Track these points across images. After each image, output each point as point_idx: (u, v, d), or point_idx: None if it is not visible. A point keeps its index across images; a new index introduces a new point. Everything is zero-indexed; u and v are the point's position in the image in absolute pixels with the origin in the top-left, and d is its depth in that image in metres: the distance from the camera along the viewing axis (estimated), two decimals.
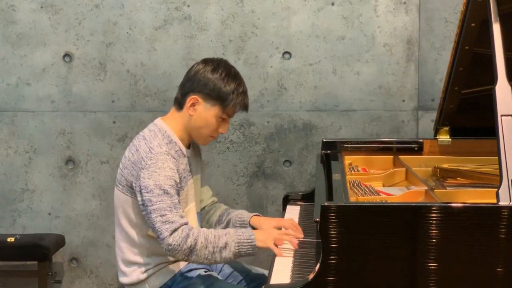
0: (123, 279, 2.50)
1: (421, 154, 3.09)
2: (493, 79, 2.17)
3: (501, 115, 2.10)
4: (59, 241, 3.63)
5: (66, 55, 3.64)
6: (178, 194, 2.37)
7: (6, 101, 3.67)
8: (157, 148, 2.38)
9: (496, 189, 2.00)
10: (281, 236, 2.34)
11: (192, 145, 2.56)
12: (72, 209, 3.72)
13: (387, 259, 1.93)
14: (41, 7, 3.62)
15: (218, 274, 2.60)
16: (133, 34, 3.62)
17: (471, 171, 2.78)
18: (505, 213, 1.92)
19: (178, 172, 2.40)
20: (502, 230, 1.91)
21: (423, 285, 1.92)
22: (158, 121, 2.50)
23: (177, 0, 3.60)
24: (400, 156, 3.02)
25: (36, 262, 3.52)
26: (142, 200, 2.33)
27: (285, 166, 3.68)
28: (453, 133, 3.07)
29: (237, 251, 2.30)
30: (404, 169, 2.88)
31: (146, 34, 3.62)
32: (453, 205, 1.96)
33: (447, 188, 2.62)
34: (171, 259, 2.46)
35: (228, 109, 2.44)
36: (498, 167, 2.03)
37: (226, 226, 2.62)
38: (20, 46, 3.64)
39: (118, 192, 2.48)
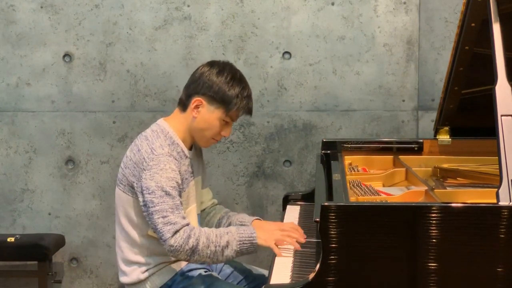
0: (123, 279, 2.50)
1: (421, 154, 3.09)
2: (493, 79, 2.17)
3: (501, 115, 2.10)
4: (59, 241, 3.63)
5: (66, 55, 3.64)
6: (180, 196, 2.37)
7: (6, 101, 3.68)
8: (159, 149, 2.37)
9: (496, 189, 2.00)
10: (283, 237, 2.33)
11: (194, 146, 2.55)
12: (72, 209, 3.72)
13: (387, 259, 1.93)
14: (41, 7, 3.62)
15: (218, 274, 2.60)
16: (133, 34, 3.62)
17: (471, 171, 2.78)
18: (505, 213, 1.92)
19: (179, 173, 2.39)
20: (502, 230, 1.91)
21: (423, 285, 1.92)
22: (161, 121, 2.50)
23: (177, 0, 3.60)
24: (400, 156, 3.02)
25: (36, 262, 3.52)
26: (144, 201, 2.33)
27: (285, 166, 3.68)
28: (453, 133, 3.07)
29: (239, 249, 2.30)
30: (404, 169, 2.88)
31: (146, 34, 3.62)
32: (453, 205, 1.96)
33: (447, 188, 2.62)
34: (172, 259, 2.46)
35: (231, 112, 2.44)
36: (498, 167, 2.03)
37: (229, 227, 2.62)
38: (20, 46, 3.64)
39: (119, 191, 2.49)
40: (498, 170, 2.03)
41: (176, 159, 2.39)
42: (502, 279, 1.92)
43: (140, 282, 2.46)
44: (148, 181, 2.32)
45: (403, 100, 3.62)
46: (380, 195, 2.52)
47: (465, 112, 2.98)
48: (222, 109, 2.43)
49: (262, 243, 2.31)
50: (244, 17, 3.60)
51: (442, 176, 2.85)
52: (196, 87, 2.44)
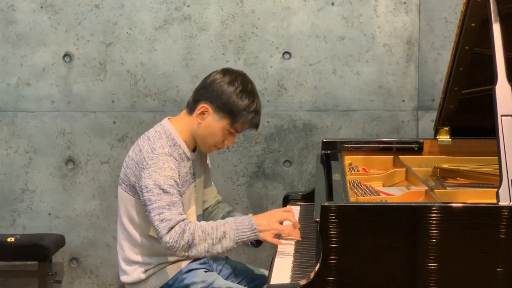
0: (124, 278, 2.50)
1: (421, 154, 3.09)
2: (493, 79, 2.17)
3: (501, 115, 2.10)
4: (59, 241, 3.63)
5: (66, 55, 3.64)
6: (180, 194, 2.36)
7: (6, 101, 3.68)
8: (159, 149, 2.37)
9: (496, 189, 2.00)
10: (284, 215, 2.33)
11: (198, 147, 2.55)
12: (72, 209, 3.72)
13: (387, 259, 1.93)
14: (41, 7, 3.62)
15: (219, 274, 2.59)
16: (133, 34, 3.62)
17: (471, 171, 2.78)
18: (505, 213, 1.92)
19: (179, 175, 2.39)
20: (502, 230, 1.91)
21: (423, 285, 1.92)
22: (165, 122, 2.49)
23: (177, 0, 3.60)
24: (400, 156, 3.02)
25: (36, 262, 3.52)
26: (143, 200, 2.33)
27: (285, 166, 3.68)
28: (453, 133, 3.06)
29: (237, 238, 2.29)
30: (404, 169, 2.88)
31: (146, 34, 3.62)
32: (453, 205, 1.96)
33: (447, 188, 2.62)
34: (173, 259, 2.46)
35: (236, 125, 2.42)
36: (498, 167, 2.03)
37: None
38: (20, 46, 3.64)
39: (121, 191, 2.49)
40: (498, 170, 2.03)
41: (176, 160, 2.39)
42: (502, 279, 1.92)
43: (141, 281, 2.47)
44: (146, 179, 2.32)
45: (403, 100, 3.62)
46: (380, 195, 2.52)
47: (465, 112, 2.98)
48: (228, 120, 2.41)
49: (262, 229, 2.29)
50: (244, 17, 3.60)
51: (442, 176, 2.85)
52: (205, 93, 2.42)
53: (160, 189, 2.30)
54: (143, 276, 2.46)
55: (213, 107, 2.41)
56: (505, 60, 2.19)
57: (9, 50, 3.64)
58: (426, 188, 2.41)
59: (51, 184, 3.71)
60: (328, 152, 3.09)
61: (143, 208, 2.37)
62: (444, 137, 3.07)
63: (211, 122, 2.42)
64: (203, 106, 2.41)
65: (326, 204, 1.95)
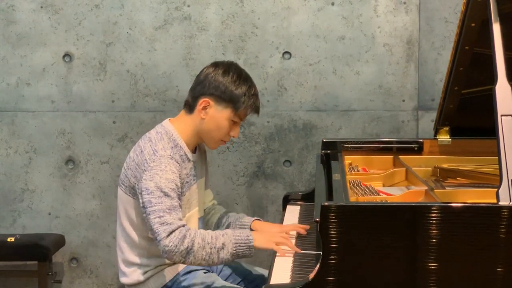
0: (123, 279, 2.50)
1: (421, 154, 3.09)
2: (493, 79, 2.17)
3: (501, 115, 2.10)
4: (59, 241, 3.63)
5: (66, 55, 3.64)
6: (179, 199, 2.36)
7: (6, 101, 3.68)
8: (161, 151, 2.37)
9: (496, 189, 2.00)
10: (284, 241, 2.32)
11: (198, 148, 2.55)
12: (72, 209, 3.72)
13: (387, 259, 1.93)
14: (41, 7, 3.62)
15: (218, 275, 2.59)
16: (133, 34, 3.62)
17: (471, 171, 2.78)
18: (505, 213, 1.92)
19: (180, 177, 2.38)
20: (502, 230, 1.91)
21: (423, 285, 1.92)
22: (166, 123, 2.49)
23: (177, 0, 3.60)
24: (400, 156, 3.02)
25: (36, 262, 3.52)
26: (143, 201, 2.32)
27: (285, 166, 3.68)
28: (453, 133, 3.06)
29: (234, 251, 2.29)
30: (404, 169, 2.88)
31: (146, 34, 3.62)
32: (453, 205, 1.96)
33: (447, 188, 2.62)
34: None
35: (240, 111, 2.43)
36: (498, 167, 2.03)
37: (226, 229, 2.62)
38: (20, 46, 3.64)
39: (121, 191, 2.48)
40: (498, 170, 2.03)
41: (177, 162, 2.38)
42: (502, 279, 1.92)
43: (140, 283, 2.46)
44: (147, 181, 2.31)
45: (403, 100, 3.62)
46: (380, 195, 2.51)
47: (465, 112, 2.98)
48: (231, 108, 2.42)
49: (260, 245, 2.30)
50: (244, 17, 3.60)
51: (442, 176, 2.85)
52: (202, 88, 2.43)
53: (162, 192, 2.29)
54: (141, 278, 2.45)
55: (214, 99, 2.42)
56: (505, 60, 2.19)
57: (9, 50, 3.64)
58: (426, 188, 2.41)
59: (51, 184, 3.71)
60: (328, 152, 3.09)
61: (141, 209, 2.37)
62: (444, 137, 3.07)
63: (215, 114, 2.42)
64: (204, 100, 2.42)
65: (326, 204, 1.95)
